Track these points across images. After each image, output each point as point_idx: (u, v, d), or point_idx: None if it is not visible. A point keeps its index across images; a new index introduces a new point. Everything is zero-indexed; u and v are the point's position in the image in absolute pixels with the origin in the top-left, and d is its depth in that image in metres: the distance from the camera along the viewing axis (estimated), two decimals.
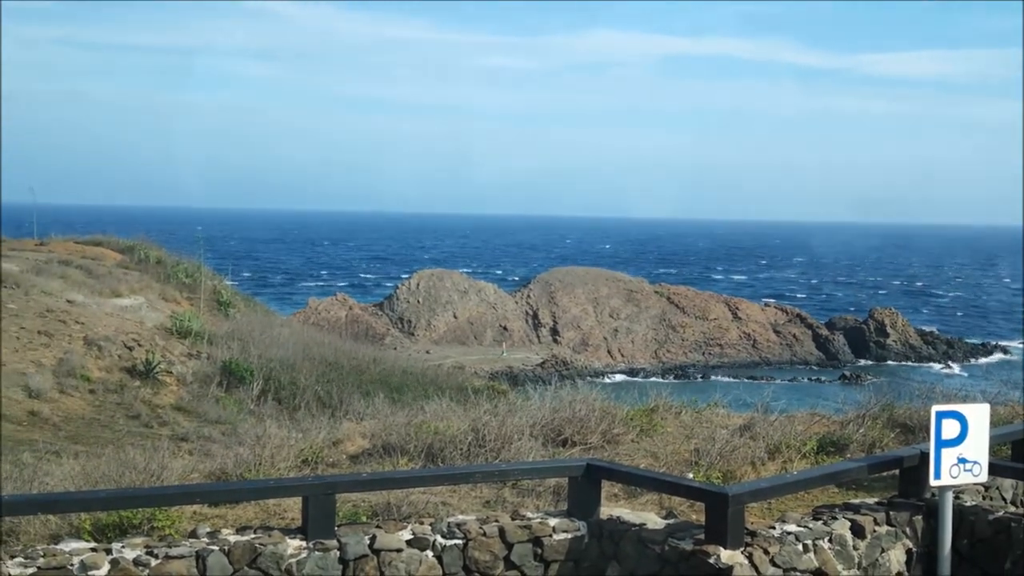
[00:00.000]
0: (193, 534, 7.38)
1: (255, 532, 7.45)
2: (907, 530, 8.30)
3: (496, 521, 7.90)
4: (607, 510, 8.37)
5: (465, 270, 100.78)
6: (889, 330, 78.88)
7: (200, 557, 7.02)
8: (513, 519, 8.00)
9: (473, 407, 12.15)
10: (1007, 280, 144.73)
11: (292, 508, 8.36)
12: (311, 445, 10.89)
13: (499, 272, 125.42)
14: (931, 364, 74.33)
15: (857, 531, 8.00)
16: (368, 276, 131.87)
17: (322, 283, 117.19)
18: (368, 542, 7.45)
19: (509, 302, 78.44)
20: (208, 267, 29.22)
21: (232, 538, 7.26)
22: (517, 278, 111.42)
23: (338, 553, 7.34)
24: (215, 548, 7.10)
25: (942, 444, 7.99)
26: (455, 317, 75.58)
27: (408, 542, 7.56)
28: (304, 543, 7.31)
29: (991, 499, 9.28)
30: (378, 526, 7.67)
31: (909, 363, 74.82)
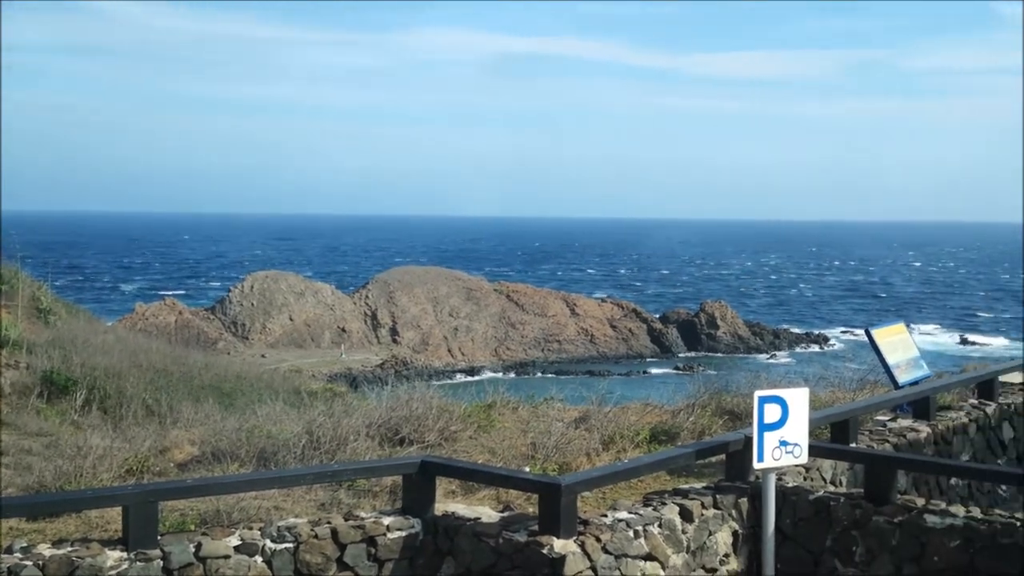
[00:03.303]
0: (9, 550, 6.98)
1: (72, 545, 7.10)
2: (733, 512, 8.56)
3: (328, 523, 7.76)
4: (442, 506, 8.33)
5: (304, 272, 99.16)
6: (719, 322, 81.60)
7: (12, 574, 6.65)
8: (346, 520, 7.87)
9: (308, 410, 11.93)
10: (829, 272, 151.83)
11: (116, 519, 8.00)
12: (136, 454, 10.46)
13: (334, 273, 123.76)
14: (758, 354, 77.26)
15: (686, 515, 8.20)
16: (194, 280, 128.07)
17: (147, 287, 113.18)
18: (193, 550, 7.20)
19: (347, 303, 77.62)
20: (26, 273, 27.73)
21: (48, 552, 6.90)
22: (352, 279, 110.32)
23: (161, 563, 7.07)
24: (29, 563, 6.73)
25: (764, 428, 8.27)
26: (291, 320, 74.30)
27: (236, 548, 7.34)
28: (125, 554, 7.01)
29: (812, 480, 9.67)
30: (204, 533, 7.42)
31: (738, 353, 77.58)
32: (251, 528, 7.58)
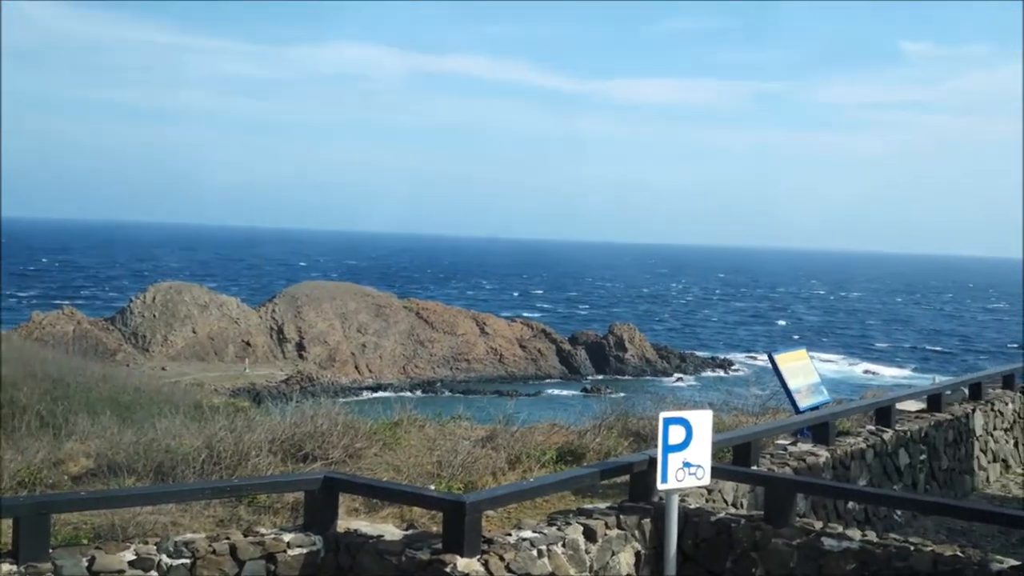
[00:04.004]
0: None
1: None
2: (636, 533, 8.62)
3: (227, 538, 7.60)
4: (345, 524, 8.22)
5: (208, 283, 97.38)
6: (627, 344, 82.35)
7: None
8: (245, 535, 7.71)
9: (209, 424, 11.69)
10: (734, 298, 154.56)
11: (6, 532, 7.73)
12: (29, 466, 10.12)
13: (237, 287, 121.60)
14: (665, 377, 78.17)
15: (589, 535, 8.22)
16: (93, 289, 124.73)
17: (38, 295, 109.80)
18: (86, 564, 6.98)
19: (253, 317, 76.42)
20: None
21: None
22: (259, 292, 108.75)
23: None
24: None
25: (669, 449, 8.34)
26: (194, 332, 72.86)
27: (131, 563, 7.14)
28: (15, 567, 6.78)
29: (714, 501, 9.79)
30: (98, 547, 7.20)
31: (645, 376, 78.38)
32: (147, 543, 7.38)
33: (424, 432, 12.84)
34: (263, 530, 7.91)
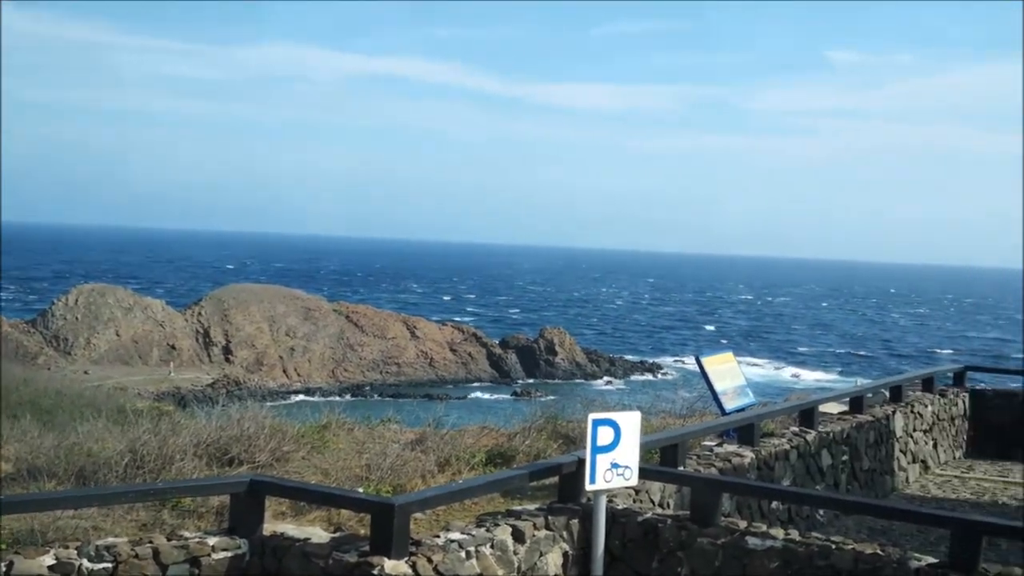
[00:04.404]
0: None
1: None
2: (564, 534, 8.66)
3: (150, 542, 7.47)
4: (271, 527, 8.14)
5: (132, 285, 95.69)
6: (558, 348, 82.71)
7: None
8: (169, 539, 7.59)
9: (132, 428, 11.49)
10: (663, 302, 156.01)
11: None
12: None
13: (163, 289, 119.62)
14: (595, 380, 78.67)
15: (518, 536, 8.24)
16: (13, 290, 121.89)
17: None
18: (4, 569, 6.81)
19: (178, 320, 75.28)
20: None
21: None
22: (184, 294, 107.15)
23: None
24: None
25: (597, 450, 8.39)
26: (118, 335, 71.57)
27: (50, 567, 6.98)
28: None
29: (641, 502, 9.87)
30: (16, 552, 7.03)
31: (576, 380, 78.79)
32: (67, 547, 7.23)
33: (353, 435, 12.76)
34: (187, 534, 7.80)
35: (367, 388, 73.10)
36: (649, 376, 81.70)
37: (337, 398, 64.16)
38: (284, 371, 73.40)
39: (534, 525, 8.41)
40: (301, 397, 67.06)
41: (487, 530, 8.14)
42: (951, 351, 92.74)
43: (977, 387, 20.03)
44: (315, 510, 9.04)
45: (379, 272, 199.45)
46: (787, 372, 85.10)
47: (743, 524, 8.75)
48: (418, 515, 8.73)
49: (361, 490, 9.65)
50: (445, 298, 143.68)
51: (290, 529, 8.12)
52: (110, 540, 7.49)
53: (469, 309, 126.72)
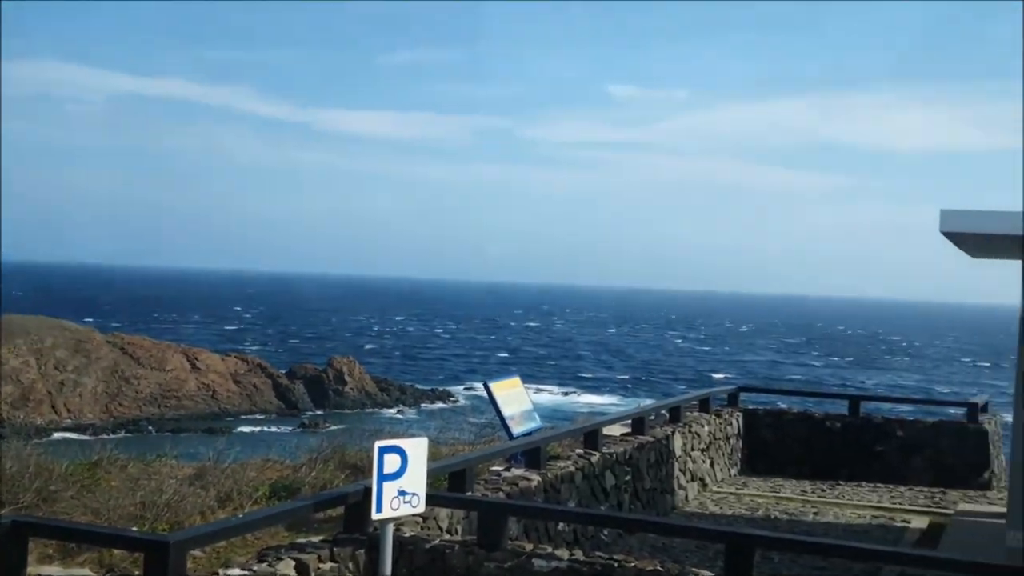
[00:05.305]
0: None
1: None
2: (351, 565, 8.49)
3: None
4: (36, 570, 7.63)
5: None
6: (347, 378, 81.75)
7: None
8: None
9: None
10: (439, 330, 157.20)
11: None
12: None
13: None
14: (386, 409, 78.19)
15: (301, 569, 8.02)
16: None
17: None
18: None
19: None
20: None
21: None
22: None
23: None
24: None
25: (384, 478, 8.28)
26: None
27: None
28: None
29: (429, 529, 9.82)
30: None
31: (366, 409, 78.05)
32: None
33: (127, 472, 12.20)
34: None
35: (144, 423, 70.05)
36: (440, 404, 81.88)
37: (110, 435, 61.15)
38: (53, 407, 69.38)
39: (319, 557, 8.21)
40: (71, 435, 63.61)
41: (269, 564, 7.89)
42: (726, 375, 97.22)
43: (749, 407, 21.03)
44: (85, 551, 8.56)
45: (156, 301, 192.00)
46: (574, 397, 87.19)
47: (529, 547, 8.83)
48: (196, 553, 8.39)
49: (136, 529, 9.21)
50: (226, 328, 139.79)
51: (57, 572, 7.64)
52: None
53: (254, 338, 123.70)
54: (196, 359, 78.86)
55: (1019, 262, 12.86)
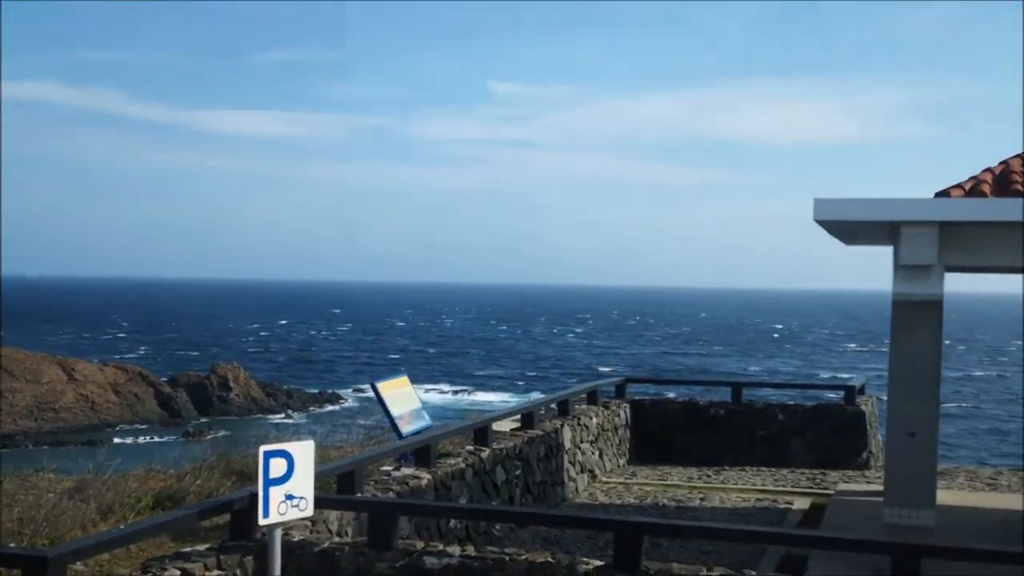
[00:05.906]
0: None
1: None
2: (238, 572, 8.36)
3: None
4: None
5: None
6: (232, 384, 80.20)
7: None
8: None
9: None
10: (336, 334, 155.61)
11: None
12: None
13: None
14: (273, 414, 76.95)
15: None
16: None
17: None
18: None
19: None
20: None
21: None
22: None
23: None
24: None
25: (270, 483, 8.15)
26: None
27: None
28: None
29: (318, 532, 9.72)
30: None
31: (252, 415, 76.71)
32: None
33: (3, 488, 11.78)
34: None
35: (19, 437, 67.61)
36: (329, 407, 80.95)
37: None
38: None
39: (205, 566, 8.07)
40: None
41: (154, 575, 7.71)
42: (615, 368, 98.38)
43: (636, 398, 21.36)
44: None
45: (31, 311, 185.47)
46: (465, 394, 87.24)
47: (420, 545, 8.82)
48: (78, 567, 8.15)
49: (13, 545, 8.90)
50: (103, 337, 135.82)
51: None
52: None
53: (133, 347, 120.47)
54: (73, 370, 76.40)
55: (890, 248, 13.35)
